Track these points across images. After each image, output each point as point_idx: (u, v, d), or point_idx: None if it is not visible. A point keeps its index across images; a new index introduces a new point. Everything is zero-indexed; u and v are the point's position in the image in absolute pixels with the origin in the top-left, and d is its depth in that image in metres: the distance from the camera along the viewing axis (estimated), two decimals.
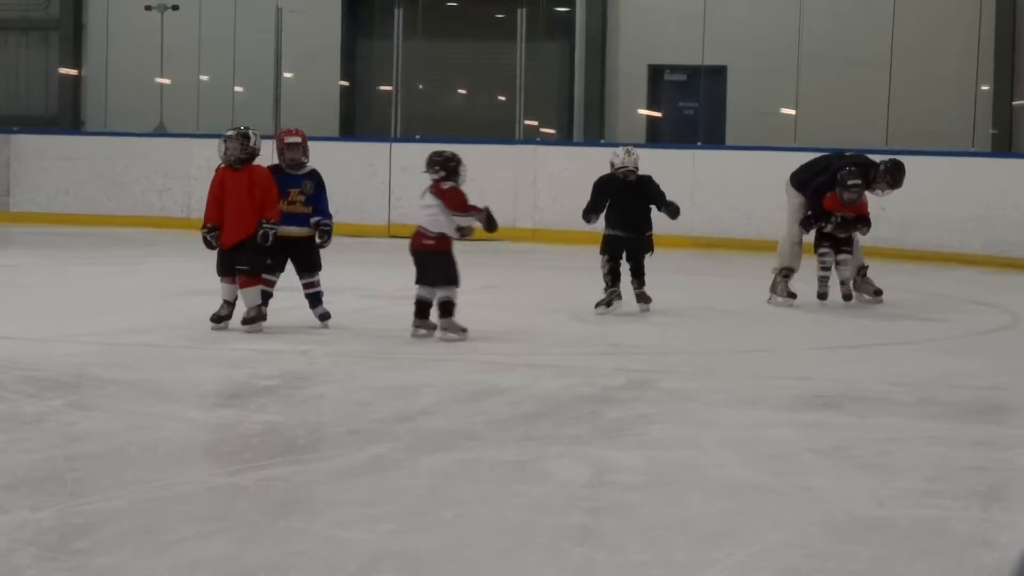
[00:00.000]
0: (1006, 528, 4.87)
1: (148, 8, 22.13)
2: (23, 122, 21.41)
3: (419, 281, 8.99)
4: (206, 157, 18.78)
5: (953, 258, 15.26)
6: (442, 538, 4.56)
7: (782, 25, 20.38)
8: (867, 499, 5.17)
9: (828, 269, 11.13)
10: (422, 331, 8.97)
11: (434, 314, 8.92)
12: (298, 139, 9.47)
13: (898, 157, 11.51)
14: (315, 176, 9.49)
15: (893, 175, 11.23)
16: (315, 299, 9.38)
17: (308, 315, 10.02)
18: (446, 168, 9.01)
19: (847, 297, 11.12)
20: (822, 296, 11.07)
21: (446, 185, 8.98)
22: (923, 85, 19.77)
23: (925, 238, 15.68)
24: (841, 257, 11.14)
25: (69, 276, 12.86)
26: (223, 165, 9.24)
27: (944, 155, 16.63)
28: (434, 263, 8.91)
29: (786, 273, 11.18)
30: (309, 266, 9.39)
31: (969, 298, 12.30)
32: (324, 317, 9.31)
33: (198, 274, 11.17)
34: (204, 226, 9.17)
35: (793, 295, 11.11)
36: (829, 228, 11.07)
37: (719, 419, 6.67)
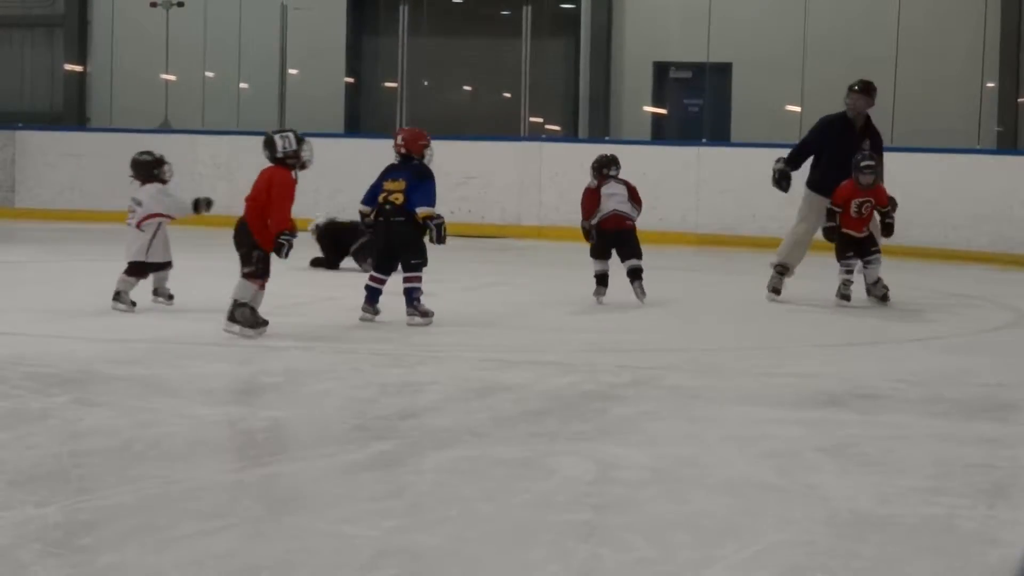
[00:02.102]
0: (1011, 526, 4.87)
1: (153, 4, 22.13)
2: (28, 118, 21.44)
3: (603, 256, 10.70)
4: (211, 154, 18.90)
5: (958, 256, 15.26)
6: (446, 535, 4.56)
7: (787, 22, 20.36)
8: (871, 497, 5.16)
9: (851, 273, 10.84)
10: (604, 298, 10.66)
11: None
12: None
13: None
14: None
15: (863, 88, 11.27)
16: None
17: (311, 313, 10.06)
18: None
19: (884, 298, 10.84)
20: (845, 297, 10.76)
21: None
22: (928, 83, 19.75)
23: (930, 235, 15.67)
24: (870, 258, 10.85)
25: (74, 272, 12.86)
26: (302, 166, 8.91)
27: (949, 152, 16.63)
28: (633, 239, 10.74)
29: (781, 270, 11.20)
30: None
31: (974, 295, 12.29)
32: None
33: (203, 271, 11.20)
34: (290, 230, 8.68)
35: (777, 291, 11.14)
36: (837, 223, 10.76)
37: (723, 416, 6.68)
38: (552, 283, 11.71)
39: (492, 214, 17.46)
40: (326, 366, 7.93)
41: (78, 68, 23.30)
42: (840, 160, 10.94)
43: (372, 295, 9.44)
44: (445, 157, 17.95)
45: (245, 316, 8.57)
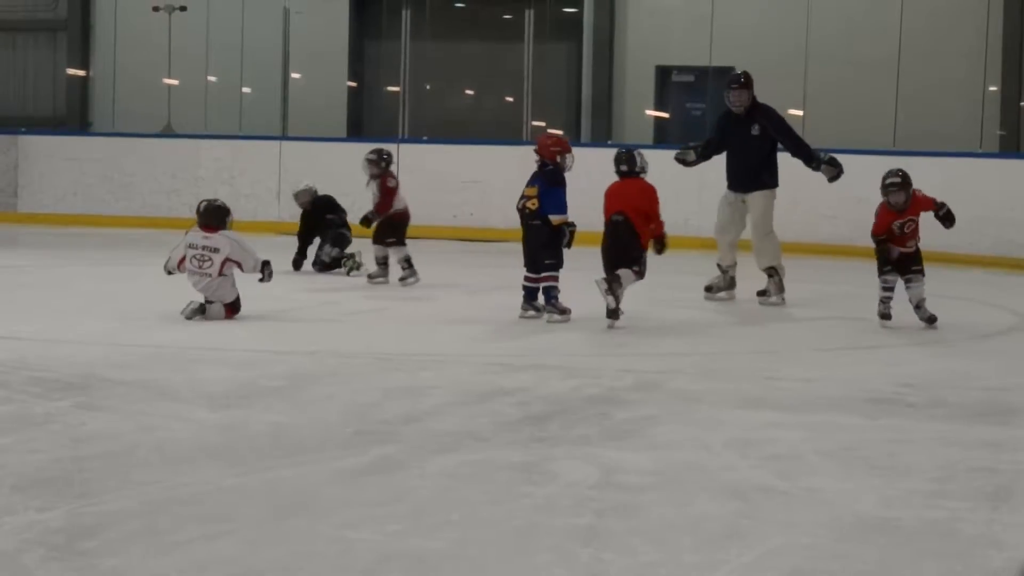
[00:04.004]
0: (1014, 529, 4.87)
1: (156, 9, 22.13)
2: (30, 123, 21.44)
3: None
4: (213, 158, 18.91)
5: (960, 259, 15.23)
6: (449, 539, 4.56)
7: (790, 26, 20.35)
8: (874, 500, 5.17)
9: (891, 291, 10.19)
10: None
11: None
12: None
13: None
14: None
15: (746, 83, 11.64)
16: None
17: (315, 314, 10.06)
18: None
19: (931, 320, 10.13)
20: (884, 316, 10.15)
21: None
22: (931, 86, 19.74)
23: (932, 239, 15.63)
24: (909, 276, 10.21)
25: (77, 277, 12.87)
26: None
27: (951, 156, 16.61)
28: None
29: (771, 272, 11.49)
30: None
31: (977, 299, 12.29)
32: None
33: None
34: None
35: (762, 294, 11.65)
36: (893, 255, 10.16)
37: (726, 420, 6.68)
38: None
39: (494, 218, 17.42)
40: (328, 370, 7.93)
41: (81, 72, 23.30)
42: (737, 154, 11.69)
43: (529, 294, 10.01)
44: (447, 161, 18.06)
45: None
